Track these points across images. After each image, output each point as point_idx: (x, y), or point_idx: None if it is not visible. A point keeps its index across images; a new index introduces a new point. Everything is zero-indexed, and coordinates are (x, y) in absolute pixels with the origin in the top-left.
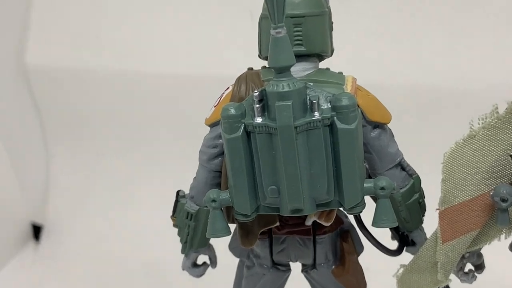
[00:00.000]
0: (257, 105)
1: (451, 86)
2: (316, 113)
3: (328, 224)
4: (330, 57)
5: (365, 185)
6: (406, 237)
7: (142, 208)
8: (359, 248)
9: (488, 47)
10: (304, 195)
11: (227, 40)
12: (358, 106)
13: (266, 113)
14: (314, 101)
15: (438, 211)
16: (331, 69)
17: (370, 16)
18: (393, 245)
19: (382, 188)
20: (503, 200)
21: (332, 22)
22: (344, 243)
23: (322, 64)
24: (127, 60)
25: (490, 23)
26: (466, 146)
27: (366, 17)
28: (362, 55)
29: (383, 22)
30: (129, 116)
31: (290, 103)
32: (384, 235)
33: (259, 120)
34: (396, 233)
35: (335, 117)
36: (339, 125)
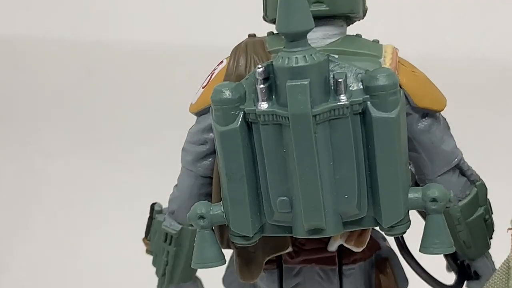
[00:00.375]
0: (262, 86)
1: None
2: (343, 97)
3: (359, 250)
4: (362, 19)
5: (410, 195)
6: (467, 268)
7: (102, 229)
8: (403, 283)
9: None
10: (327, 210)
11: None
12: (401, 87)
13: (273, 96)
14: (339, 80)
15: (510, 231)
16: (364, 37)
17: None
18: (450, 278)
19: (434, 200)
20: None
21: None
22: (381, 276)
23: (351, 30)
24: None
25: None
26: None
27: None
28: (406, 19)
29: None
30: (82, 100)
31: (306, 82)
32: (437, 265)
33: (264, 106)
34: (454, 262)
35: (368, 102)
36: (374, 113)
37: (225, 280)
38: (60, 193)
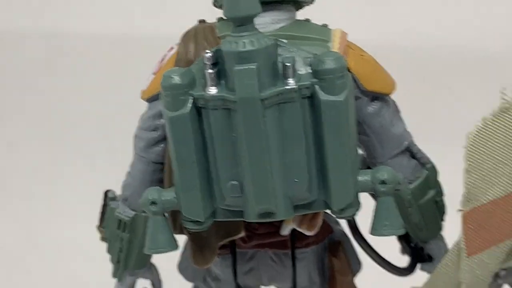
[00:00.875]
0: (210, 71)
1: (478, 46)
2: (291, 81)
3: (311, 234)
4: (311, 4)
5: (359, 178)
6: (421, 250)
7: (57, 215)
8: (356, 266)
9: None
10: (277, 193)
11: None
12: (349, 71)
13: (222, 81)
14: (287, 64)
15: (461, 212)
16: (313, 21)
17: None
18: (403, 261)
19: (383, 182)
20: None
21: None
22: (334, 259)
23: (301, 15)
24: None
25: None
26: (497, 124)
27: None
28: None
29: None
30: (44, 90)
31: (254, 66)
32: (390, 247)
33: (213, 91)
34: (407, 245)
35: (316, 86)
36: (323, 96)
37: (180, 266)
38: (20, 182)
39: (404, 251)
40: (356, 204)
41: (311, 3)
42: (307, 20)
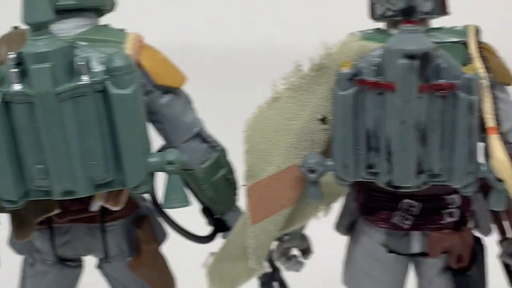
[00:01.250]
0: (13, 70)
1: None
2: (85, 77)
3: (117, 209)
4: (111, 11)
5: (150, 160)
6: (222, 221)
7: None
8: (161, 236)
9: None
10: (77, 174)
11: None
12: (143, 68)
13: (26, 79)
14: (81, 63)
15: (245, 187)
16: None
17: None
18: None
19: (170, 163)
20: (311, 171)
21: None
22: (139, 230)
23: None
24: None
25: None
26: (270, 111)
27: None
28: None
29: None
30: None
31: (48, 65)
32: (196, 221)
33: (17, 87)
34: (210, 217)
35: (108, 81)
36: (113, 90)
37: (10, 241)
38: None
39: (208, 223)
40: (148, 182)
41: (111, 10)
42: (107, 25)
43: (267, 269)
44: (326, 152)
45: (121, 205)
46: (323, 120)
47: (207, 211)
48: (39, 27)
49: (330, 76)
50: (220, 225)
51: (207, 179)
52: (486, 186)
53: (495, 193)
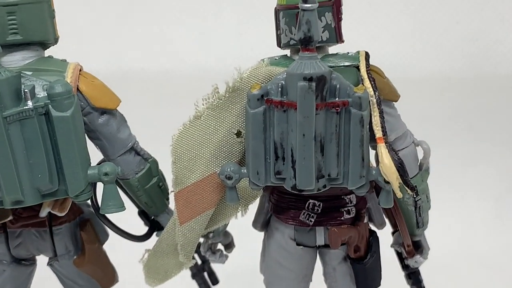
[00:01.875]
0: None
1: None
2: (29, 102)
3: (62, 214)
4: (55, 44)
5: (89, 172)
6: (157, 222)
7: None
8: (103, 236)
9: None
10: (24, 186)
11: None
12: (82, 93)
13: None
14: (26, 90)
15: (173, 193)
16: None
17: None
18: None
19: (106, 174)
20: (228, 178)
21: (54, 10)
22: (83, 232)
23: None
24: None
25: None
26: (193, 127)
27: None
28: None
29: None
30: None
31: None
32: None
33: None
34: (147, 219)
35: (50, 105)
36: (54, 113)
37: None
38: None
39: (145, 223)
40: (88, 191)
41: (54, 44)
42: (50, 57)
43: (197, 261)
44: (241, 162)
45: (66, 211)
46: (238, 134)
47: (143, 214)
48: None
49: (243, 97)
50: (154, 225)
51: (141, 187)
52: (377, 187)
53: (384, 193)
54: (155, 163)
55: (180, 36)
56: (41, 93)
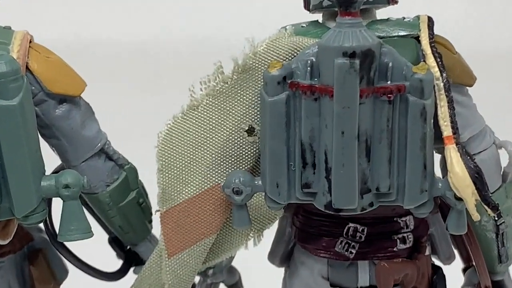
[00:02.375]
0: None
1: None
2: None
3: (5, 242)
4: None
5: (43, 183)
6: (135, 254)
7: None
8: (61, 273)
9: None
10: None
11: None
12: (32, 74)
13: None
14: None
15: (158, 213)
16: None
17: None
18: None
19: (67, 186)
20: (237, 193)
21: None
22: (33, 267)
23: None
24: None
25: None
26: (187, 122)
27: None
28: None
29: None
30: None
31: None
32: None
33: None
34: (120, 249)
35: None
36: None
37: None
38: None
39: (118, 256)
40: (41, 210)
41: None
42: None
43: None
44: (254, 170)
45: (10, 237)
46: (250, 131)
47: (116, 242)
48: None
49: (257, 79)
50: (131, 258)
51: (114, 205)
52: (444, 205)
53: (454, 214)
54: (133, 171)
55: None
56: None
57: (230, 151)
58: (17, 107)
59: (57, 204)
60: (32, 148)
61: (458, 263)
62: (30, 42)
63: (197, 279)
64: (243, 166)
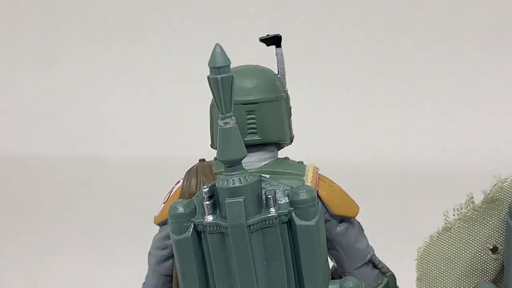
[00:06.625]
0: (207, 202)
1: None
2: (272, 209)
3: None
4: (289, 145)
5: (330, 287)
6: None
7: None
8: None
9: None
10: None
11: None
12: (321, 199)
13: (217, 210)
14: (269, 196)
15: None
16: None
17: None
18: None
19: None
20: None
21: (290, 107)
22: None
23: (282, 153)
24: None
25: None
26: (441, 240)
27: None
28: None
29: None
30: (82, 207)
31: (241, 199)
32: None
33: (209, 218)
34: None
35: (293, 213)
36: (298, 221)
37: None
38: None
39: None
40: None
41: (289, 144)
42: (286, 158)
43: None
44: (496, 281)
45: None
46: (494, 249)
47: None
48: (233, 164)
49: (502, 209)
50: None
51: None
52: None
53: None
54: (393, 278)
55: None
56: (282, 199)
57: (477, 265)
58: (314, 227)
59: None
60: (323, 258)
61: None
62: (318, 174)
63: None
64: (487, 277)
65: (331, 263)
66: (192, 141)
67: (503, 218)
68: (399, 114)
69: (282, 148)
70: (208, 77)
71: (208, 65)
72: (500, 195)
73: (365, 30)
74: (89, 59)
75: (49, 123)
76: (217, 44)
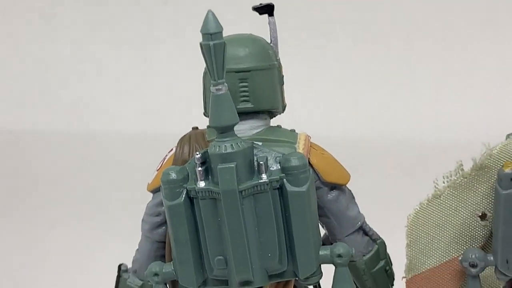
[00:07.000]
0: (200, 168)
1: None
2: (264, 176)
3: None
4: (282, 113)
5: (320, 252)
6: None
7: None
8: None
9: None
10: (254, 266)
11: (184, 95)
12: (312, 166)
13: (209, 176)
14: (261, 162)
15: (404, 279)
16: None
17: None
18: None
19: (339, 256)
20: (472, 266)
21: (283, 76)
22: None
23: (274, 121)
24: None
25: None
26: (431, 207)
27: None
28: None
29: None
30: (77, 181)
31: (233, 165)
32: None
33: (202, 184)
34: None
35: (284, 179)
36: (289, 187)
37: None
38: (60, 257)
39: None
40: (318, 273)
41: (281, 112)
42: (279, 126)
43: None
44: (484, 247)
45: None
46: (483, 216)
47: None
48: (225, 130)
49: (491, 175)
50: None
51: (367, 270)
52: None
53: None
54: (383, 244)
55: None
56: (274, 166)
57: (466, 232)
58: (306, 193)
59: None
60: (314, 224)
61: None
62: (310, 142)
63: None
64: (476, 244)
65: (322, 231)
66: (187, 116)
67: (492, 185)
68: (392, 89)
69: (274, 116)
70: (200, 43)
71: (201, 31)
72: (489, 162)
73: (359, 5)
74: (84, 33)
75: (43, 99)
76: (209, 11)
